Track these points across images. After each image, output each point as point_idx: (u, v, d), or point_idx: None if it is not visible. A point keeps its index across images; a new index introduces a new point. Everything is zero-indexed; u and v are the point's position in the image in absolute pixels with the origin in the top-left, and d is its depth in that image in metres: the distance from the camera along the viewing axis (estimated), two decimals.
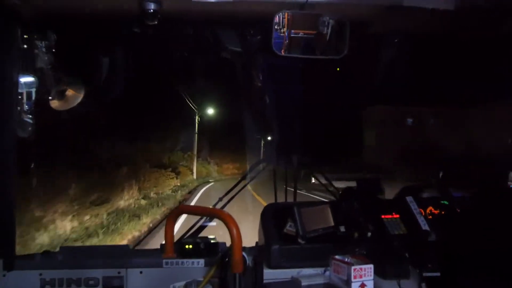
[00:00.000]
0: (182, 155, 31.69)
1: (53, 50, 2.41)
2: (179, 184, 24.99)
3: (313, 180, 3.17)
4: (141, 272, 2.20)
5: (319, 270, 2.17)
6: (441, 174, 2.92)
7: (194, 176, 32.43)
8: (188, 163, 32.43)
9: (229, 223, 1.88)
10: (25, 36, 2.28)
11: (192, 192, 23.47)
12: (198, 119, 34.99)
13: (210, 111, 37.86)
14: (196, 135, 34.80)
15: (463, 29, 2.38)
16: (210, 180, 33.33)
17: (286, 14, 2.15)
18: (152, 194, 19.10)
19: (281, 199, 2.93)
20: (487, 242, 2.22)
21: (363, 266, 1.89)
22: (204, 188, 25.89)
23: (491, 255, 2.16)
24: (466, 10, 2.04)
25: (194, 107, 33.61)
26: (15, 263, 2.15)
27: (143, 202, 17.06)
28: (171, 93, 26.24)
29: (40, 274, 2.14)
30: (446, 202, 2.57)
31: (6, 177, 2.17)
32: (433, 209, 2.55)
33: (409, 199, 2.53)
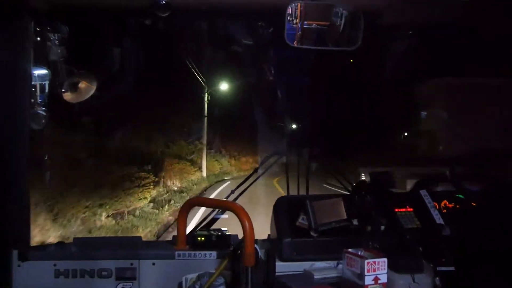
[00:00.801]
0: (187, 146, 24.63)
1: (66, 42, 2.42)
2: (176, 188, 17.54)
3: (363, 177, 2.99)
4: (153, 264, 2.21)
5: (331, 263, 2.16)
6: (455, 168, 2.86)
7: (204, 173, 24.74)
8: (195, 156, 25.11)
9: (241, 215, 1.87)
10: (37, 29, 2.30)
11: None
12: (207, 98, 26.45)
13: (223, 86, 28.28)
14: (206, 119, 26.37)
15: (477, 19, 2.34)
16: (226, 178, 26.32)
17: (299, 5, 2.12)
18: (102, 219, 10.39)
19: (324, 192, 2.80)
20: (503, 236, 2.18)
21: (377, 260, 1.87)
22: (217, 191, 18.63)
23: (506, 250, 2.12)
24: (481, 1, 2.00)
25: (201, 79, 25.21)
26: (29, 253, 2.18)
27: None
28: (170, 59, 19.97)
29: (54, 265, 2.17)
30: (461, 196, 2.53)
31: (20, 169, 2.20)
32: (447, 203, 2.52)
33: (423, 192, 2.50)
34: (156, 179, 16.05)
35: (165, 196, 15.42)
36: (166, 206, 13.79)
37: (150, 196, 14.36)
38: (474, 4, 2.02)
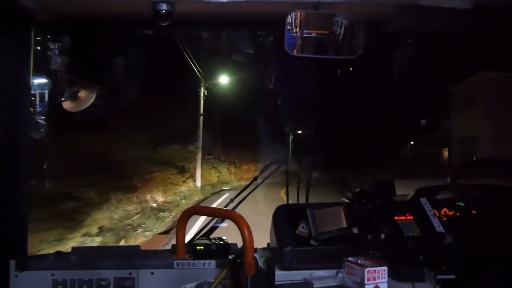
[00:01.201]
0: (179, 150, 21.31)
1: (66, 52, 2.43)
2: (155, 204, 13.23)
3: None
4: (152, 273, 2.19)
5: (332, 272, 2.15)
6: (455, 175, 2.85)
7: (198, 183, 20.74)
8: (188, 163, 21.46)
9: (240, 224, 1.86)
10: (38, 38, 2.30)
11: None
12: (204, 93, 22.02)
13: (223, 79, 23.43)
14: (202, 118, 21.81)
15: (480, 28, 2.35)
16: (224, 188, 22.63)
17: (298, 14, 2.13)
18: None
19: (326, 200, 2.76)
20: (503, 244, 2.18)
21: (377, 268, 1.87)
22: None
23: (507, 258, 2.12)
24: (484, 9, 2.01)
25: (197, 70, 20.39)
26: (27, 263, 2.16)
27: None
28: (165, 49, 16.44)
29: (52, 275, 2.15)
30: (461, 204, 2.53)
31: (20, 178, 2.19)
32: (447, 210, 2.51)
33: (423, 200, 2.49)
34: (110, 194, 11.22)
35: (134, 218, 10.68)
36: (123, 240, 8.80)
37: (82, 228, 9.04)
38: (477, 13, 2.03)
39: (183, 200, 15.69)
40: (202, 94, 21.85)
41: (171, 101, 21.43)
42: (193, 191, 18.73)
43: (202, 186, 20.94)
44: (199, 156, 21.65)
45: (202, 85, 21.86)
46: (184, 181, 19.05)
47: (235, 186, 22.58)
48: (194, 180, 20.77)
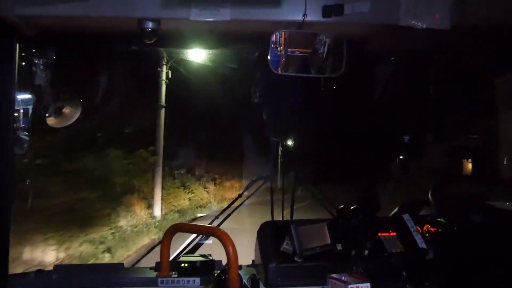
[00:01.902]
0: (122, 159, 13.20)
1: (51, 68, 2.43)
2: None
3: None
4: None
5: None
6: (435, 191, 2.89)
7: (157, 211, 14.08)
8: (139, 179, 14.04)
9: (225, 241, 1.86)
10: (23, 54, 2.30)
11: None
12: (167, 74, 14.72)
13: (196, 56, 13.41)
14: (164, 111, 14.74)
15: (458, 47, 2.42)
16: (200, 215, 16.59)
17: (283, 33, 2.18)
18: None
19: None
20: (484, 259, 2.21)
21: (360, 285, 1.88)
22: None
23: (488, 273, 2.15)
24: (462, 30, 2.08)
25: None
26: (8, 282, 2.12)
27: None
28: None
29: None
30: (443, 220, 2.56)
31: (3, 194, 2.16)
32: (429, 226, 2.54)
33: (405, 216, 2.52)
34: None
35: None
36: None
37: None
38: (456, 34, 2.10)
39: (107, 254, 8.89)
40: (163, 76, 14.65)
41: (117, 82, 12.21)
42: (143, 226, 12.24)
43: (163, 215, 14.32)
44: (160, 168, 14.72)
45: (164, 62, 14.62)
46: (117, 210, 11.73)
47: (215, 211, 12.68)
48: (148, 207, 14.00)
